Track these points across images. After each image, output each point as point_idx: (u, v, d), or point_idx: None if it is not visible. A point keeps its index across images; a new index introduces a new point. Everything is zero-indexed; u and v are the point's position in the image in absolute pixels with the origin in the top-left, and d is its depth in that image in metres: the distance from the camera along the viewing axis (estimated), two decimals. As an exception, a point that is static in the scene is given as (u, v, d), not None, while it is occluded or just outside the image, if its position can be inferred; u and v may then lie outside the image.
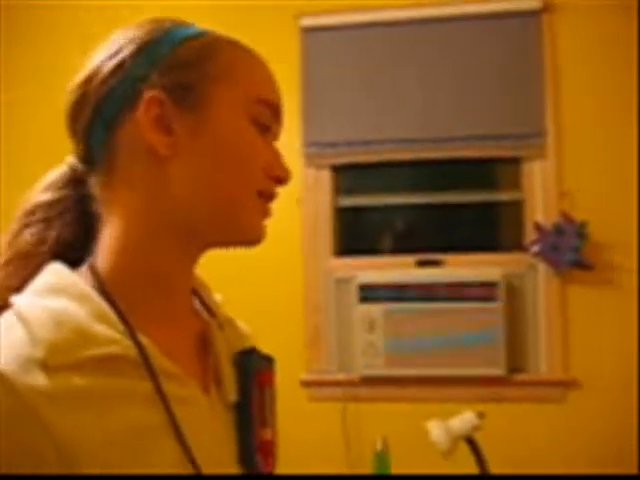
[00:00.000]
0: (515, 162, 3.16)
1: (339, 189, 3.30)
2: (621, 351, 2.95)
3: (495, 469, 2.80)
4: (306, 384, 3.11)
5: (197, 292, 0.94)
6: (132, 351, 0.77)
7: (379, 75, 3.19)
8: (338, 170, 3.28)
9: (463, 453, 2.78)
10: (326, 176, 3.26)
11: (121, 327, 0.78)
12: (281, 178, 0.87)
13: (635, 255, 2.97)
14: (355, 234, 3.33)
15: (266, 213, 0.87)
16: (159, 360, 0.79)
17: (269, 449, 0.89)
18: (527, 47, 3.10)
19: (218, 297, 0.97)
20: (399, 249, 3.29)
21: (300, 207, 3.17)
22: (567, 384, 3.00)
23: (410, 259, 3.18)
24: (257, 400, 0.88)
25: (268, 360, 0.92)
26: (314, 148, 3.21)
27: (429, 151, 3.17)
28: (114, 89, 0.81)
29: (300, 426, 2.97)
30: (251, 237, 0.86)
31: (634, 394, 2.91)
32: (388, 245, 3.34)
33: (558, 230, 2.98)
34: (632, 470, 2.80)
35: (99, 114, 0.82)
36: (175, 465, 0.77)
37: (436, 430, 2.78)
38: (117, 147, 0.82)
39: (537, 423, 2.99)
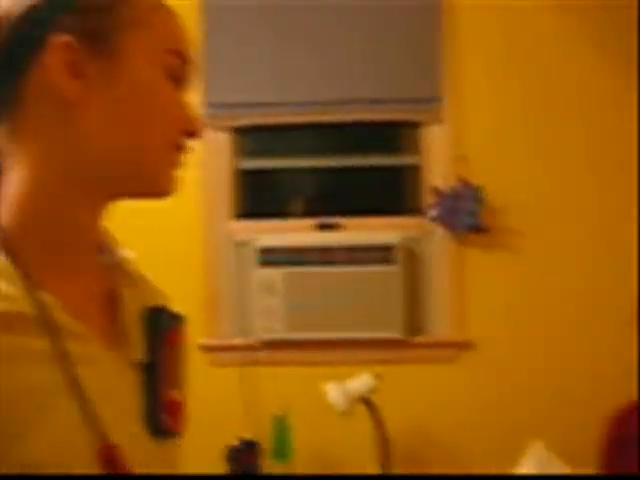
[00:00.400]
0: (415, 126, 3.18)
1: (241, 151, 3.25)
2: (514, 313, 3.04)
3: (392, 429, 2.85)
4: (205, 349, 3.07)
5: (107, 247, 0.90)
6: (31, 308, 0.74)
7: (279, 36, 3.14)
8: (240, 132, 3.23)
9: (362, 414, 2.82)
10: (225, 138, 3.20)
11: (20, 282, 0.75)
12: (193, 131, 0.86)
13: (530, 218, 3.06)
14: (256, 197, 3.30)
15: (177, 165, 0.86)
16: (61, 318, 0.76)
17: (176, 409, 0.87)
18: (425, 9, 3.10)
19: (130, 253, 0.94)
20: (300, 212, 3.28)
21: (199, 169, 3.11)
22: (461, 345, 3.06)
23: (310, 223, 3.17)
24: (165, 359, 0.86)
25: (179, 319, 0.90)
26: (212, 109, 3.13)
27: (328, 114, 3.16)
28: (23, 33, 0.79)
29: (199, 391, 2.93)
30: (161, 189, 0.85)
31: (524, 356, 3.02)
32: (289, 208, 3.32)
33: (455, 194, 3.02)
34: (522, 428, 2.90)
35: (6, 59, 0.79)
36: (74, 424, 0.74)
37: (334, 392, 2.82)
38: (25, 93, 0.79)
39: (432, 384, 3.05)
